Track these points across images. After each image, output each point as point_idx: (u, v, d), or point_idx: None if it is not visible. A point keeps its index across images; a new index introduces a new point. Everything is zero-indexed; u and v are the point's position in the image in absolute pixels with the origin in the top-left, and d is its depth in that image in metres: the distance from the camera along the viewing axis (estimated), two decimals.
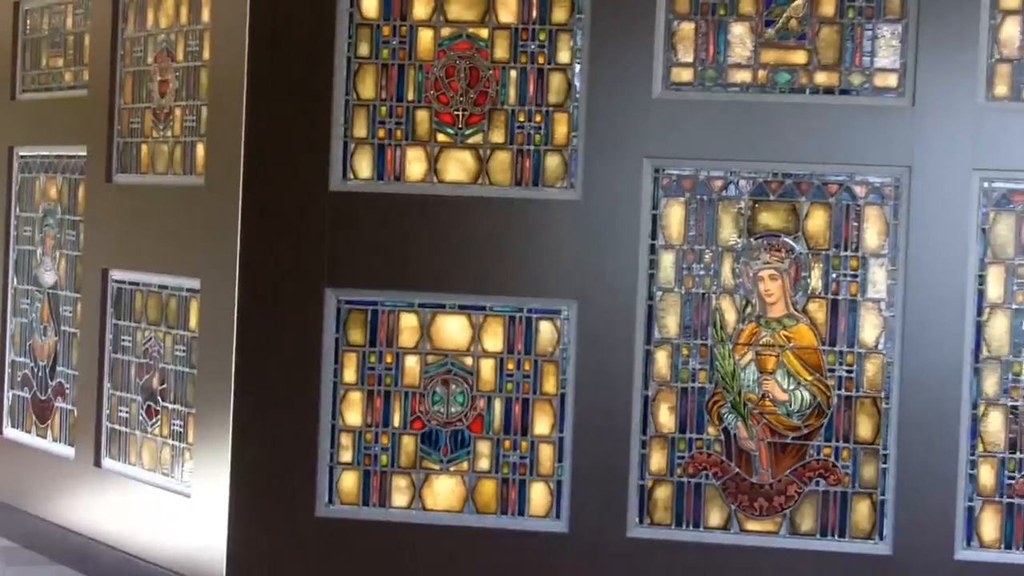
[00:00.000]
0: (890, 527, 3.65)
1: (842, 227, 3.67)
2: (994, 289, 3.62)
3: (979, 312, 3.62)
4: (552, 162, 3.78)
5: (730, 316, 3.71)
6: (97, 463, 4.45)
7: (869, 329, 3.66)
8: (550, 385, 3.79)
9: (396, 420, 3.86)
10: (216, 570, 3.94)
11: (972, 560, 3.63)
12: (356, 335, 3.86)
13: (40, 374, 4.78)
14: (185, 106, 4.18)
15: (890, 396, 3.65)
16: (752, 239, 3.70)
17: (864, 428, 3.67)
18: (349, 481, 3.88)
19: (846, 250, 3.66)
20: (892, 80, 3.65)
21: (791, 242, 3.68)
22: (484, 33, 3.80)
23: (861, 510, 3.68)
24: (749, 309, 3.70)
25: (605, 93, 3.72)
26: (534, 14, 3.78)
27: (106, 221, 4.44)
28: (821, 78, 3.68)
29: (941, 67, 3.59)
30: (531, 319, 3.79)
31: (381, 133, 3.84)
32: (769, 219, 3.69)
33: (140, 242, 4.30)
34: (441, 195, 3.81)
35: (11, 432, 4.91)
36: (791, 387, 3.69)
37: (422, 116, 3.83)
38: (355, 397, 3.87)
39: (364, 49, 3.84)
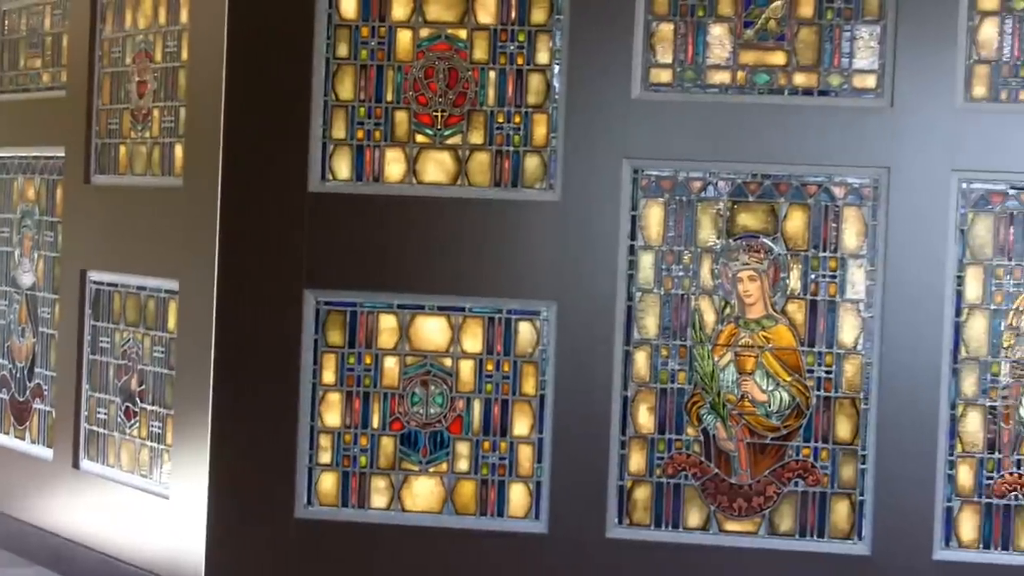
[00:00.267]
0: (869, 527, 3.66)
1: (821, 228, 3.67)
2: (972, 290, 3.63)
3: (957, 313, 3.63)
4: (531, 163, 3.78)
5: (709, 317, 3.71)
6: (75, 464, 4.44)
7: (848, 330, 3.67)
8: (529, 386, 3.79)
9: (375, 421, 3.86)
10: (194, 571, 3.93)
11: (951, 560, 3.64)
12: (335, 336, 3.86)
13: (18, 375, 4.76)
14: (163, 107, 4.17)
15: (869, 397, 3.65)
16: (731, 240, 3.70)
17: (843, 429, 3.67)
18: (328, 482, 3.88)
19: (825, 251, 3.67)
20: (871, 81, 3.65)
21: (770, 243, 3.68)
22: (463, 34, 3.80)
23: (840, 510, 3.69)
24: (728, 310, 3.71)
25: (584, 94, 3.72)
26: (513, 15, 3.78)
27: (84, 222, 4.43)
28: (800, 79, 3.68)
29: (919, 68, 3.60)
30: (510, 320, 3.79)
31: (360, 134, 3.84)
32: (748, 220, 3.70)
33: (118, 243, 4.29)
34: (420, 196, 3.81)
35: None
36: (770, 388, 3.69)
37: (401, 117, 3.83)
38: (334, 398, 3.87)
39: (343, 50, 3.84)
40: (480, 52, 3.79)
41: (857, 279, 3.66)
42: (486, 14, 3.79)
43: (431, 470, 3.84)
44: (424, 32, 3.81)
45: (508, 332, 3.80)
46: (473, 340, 3.81)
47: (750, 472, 3.71)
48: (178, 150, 4.11)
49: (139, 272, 4.22)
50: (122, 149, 4.33)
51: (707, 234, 3.71)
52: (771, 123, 3.66)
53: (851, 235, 3.66)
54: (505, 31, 3.78)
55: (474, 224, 3.78)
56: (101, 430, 4.37)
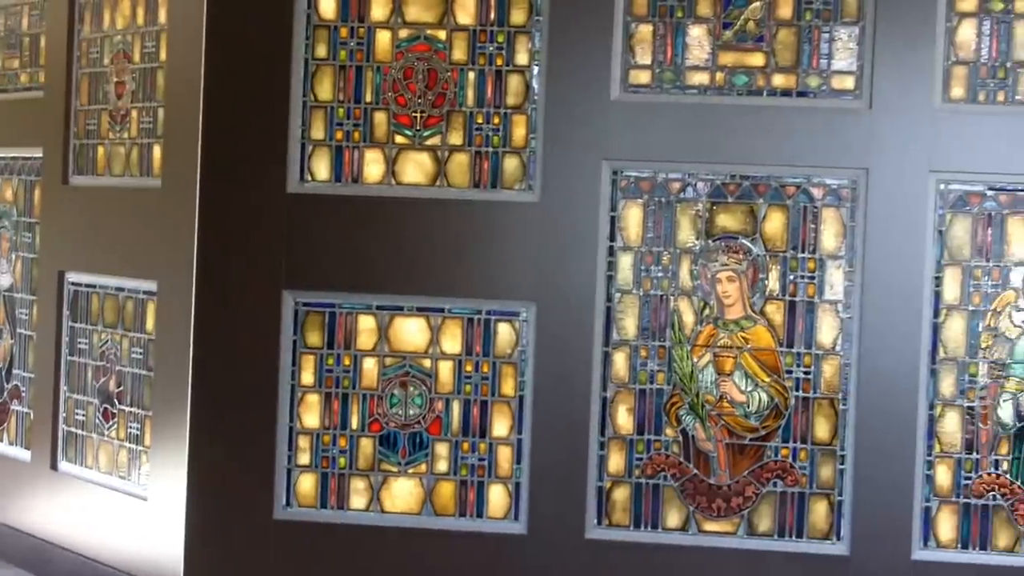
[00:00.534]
0: (847, 528, 3.67)
1: (799, 229, 3.68)
2: (950, 291, 3.64)
3: (936, 314, 3.64)
4: (510, 164, 3.78)
5: (688, 318, 3.72)
6: (53, 466, 4.42)
7: (826, 331, 3.67)
8: (508, 387, 3.79)
9: (354, 422, 3.85)
10: (173, 573, 3.93)
11: (929, 560, 3.65)
12: (314, 337, 3.85)
13: None
14: (142, 107, 4.16)
15: (847, 397, 3.66)
16: (710, 241, 3.70)
17: (821, 429, 3.68)
18: (307, 483, 3.87)
19: (803, 252, 3.67)
20: (849, 82, 3.66)
21: (749, 244, 3.69)
22: (442, 35, 3.80)
23: (818, 511, 3.69)
24: (707, 311, 3.71)
25: (563, 95, 3.72)
26: (492, 16, 3.78)
27: (62, 223, 4.42)
28: (778, 80, 3.69)
29: (898, 69, 3.61)
30: (489, 321, 3.79)
31: (339, 135, 3.83)
32: (727, 221, 3.70)
33: (97, 244, 4.28)
34: (399, 197, 3.80)
35: None
36: (749, 388, 3.70)
37: (380, 118, 3.82)
38: (313, 399, 3.86)
39: (322, 51, 3.83)
40: (459, 53, 3.79)
41: (836, 280, 3.66)
42: (465, 15, 3.79)
43: (410, 471, 3.84)
44: (403, 33, 3.81)
45: (487, 333, 3.80)
46: (452, 341, 3.81)
47: (729, 473, 3.71)
48: (156, 151, 4.10)
49: (117, 273, 4.21)
50: (100, 150, 4.32)
51: (686, 235, 3.71)
52: (750, 124, 3.66)
53: (830, 236, 3.67)
54: (484, 32, 3.78)
55: (453, 225, 3.78)
56: (79, 431, 4.36)
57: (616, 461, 3.75)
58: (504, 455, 3.80)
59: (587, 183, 3.71)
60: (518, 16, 3.77)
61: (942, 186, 3.62)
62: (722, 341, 3.70)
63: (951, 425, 3.65)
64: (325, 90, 3.84)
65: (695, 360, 3.71)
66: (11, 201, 4.71)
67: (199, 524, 3.89)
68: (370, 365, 3.84)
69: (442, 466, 3.82)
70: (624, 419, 3.74)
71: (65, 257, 4.41)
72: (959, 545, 3.66)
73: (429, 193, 3.80)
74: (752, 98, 3.68)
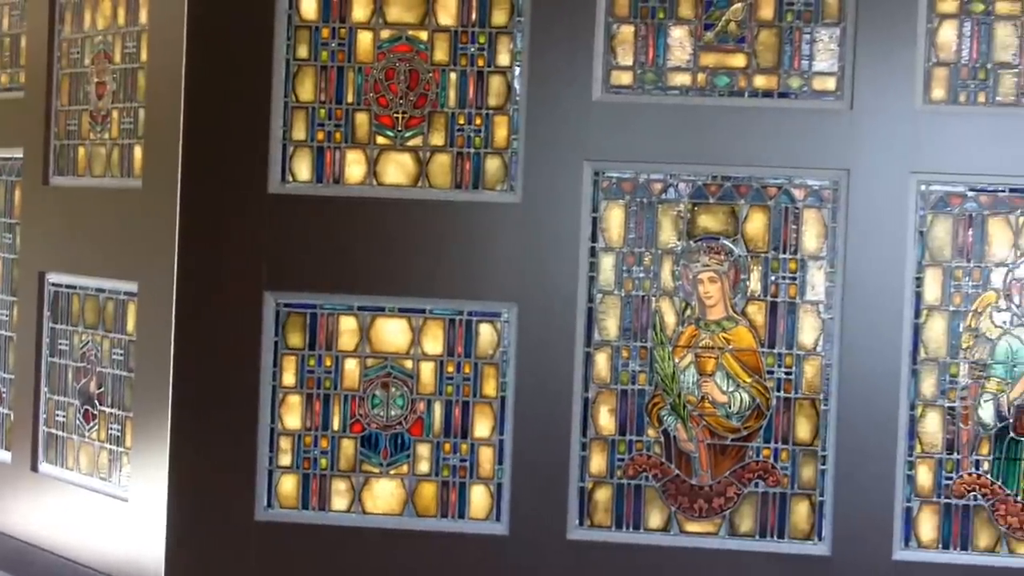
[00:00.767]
0: (829, 528, 3.67)
1: (781, 230, 3.68)
2: (931, 291, 3.65)
3: (916, 314, 3.64)
4: (492, 165, 3.77)
5: (670, 318, 3.72)
6: (34, 467, 4.41)
7: (808, 331, 3.68)
8: (490, 388, 3.79)
9: (335, 423, 3.85)
10: (154, 574, 3.92)
11: (910, 560, 3.65)
12: (295, 338, 3.85)
13: None
14: (122, 108, 4.16)
15: (829, 398, 3.67)
16: (691, 242, 3.70)
17: (803, 430, 3.68)
18: (288, 485, 3.87)
19: (785, 253, 3.68)
20: (830, 83, 3.66)
21: (730, 245, 3.69)
22: (424, 35, 3.80)
23: (800, 511, 3.70)
24: (689, 311, 3.71)
25: (545, 96, 3.72)
26: (474, 16, 3.77)
27: (43, 224, 4.40)
28: (760, 81, 3.69)
29: (879, 71, 3.61)
30: (471, 322, 3.79)
31: (320, 135, 3.83)
32: (708, 222, 3.70)
33: (77, 245, 4.27)
34: (381, 198, 3.80)
35: None
36: (730, 389, 3.70)
37: (361, 118, 3.82)
38: (294, 400, 3.86)
39: (303, 51, 3.83)
40: (441, 54, 3.79)
41: (817, 281, 3.67)
42: (447, 15, 3.78)
43: (392, 472, 3.84)
44: (385, 33, 3.81)
45: (469, 334, 3.79)
46: (434, 342, 3.81)
47: (710, 473, 3.72)
48: (137, 151, 4.09)
49: (98, 274, 4.20)
50: (81, 150, 4.31)
51: (668, 236, 3.71)
52: (731, 125, 3.67)
53: (811, 237, 3.67)
54: (466, 33, 3.78)
55: (435, 226, 3.77)
56: (60, 433, 4.35)
57: (598, 462, 3.75)
58: (486, 456, 3.80)
59: (569, 184, 3.71)
60: (500, 17, 3.77)
61: (923, 187, 3.63)
62: (704, 342, 3.71)
63: (932, 425, 3.66)
64: (306, 91, 3.83)
65: (677, 361, 3.71)
66: None
67: (180, 525, 3.89)
68: (352, 366, 3.84)
69: (424, 467, 3.82)
70: (606, 420, 3.74)
71: (45, 258, 4.40)
72: (940, 545, 3.67)
73: (411, 194, 3.80)
74: (734, 99, 3.69)
